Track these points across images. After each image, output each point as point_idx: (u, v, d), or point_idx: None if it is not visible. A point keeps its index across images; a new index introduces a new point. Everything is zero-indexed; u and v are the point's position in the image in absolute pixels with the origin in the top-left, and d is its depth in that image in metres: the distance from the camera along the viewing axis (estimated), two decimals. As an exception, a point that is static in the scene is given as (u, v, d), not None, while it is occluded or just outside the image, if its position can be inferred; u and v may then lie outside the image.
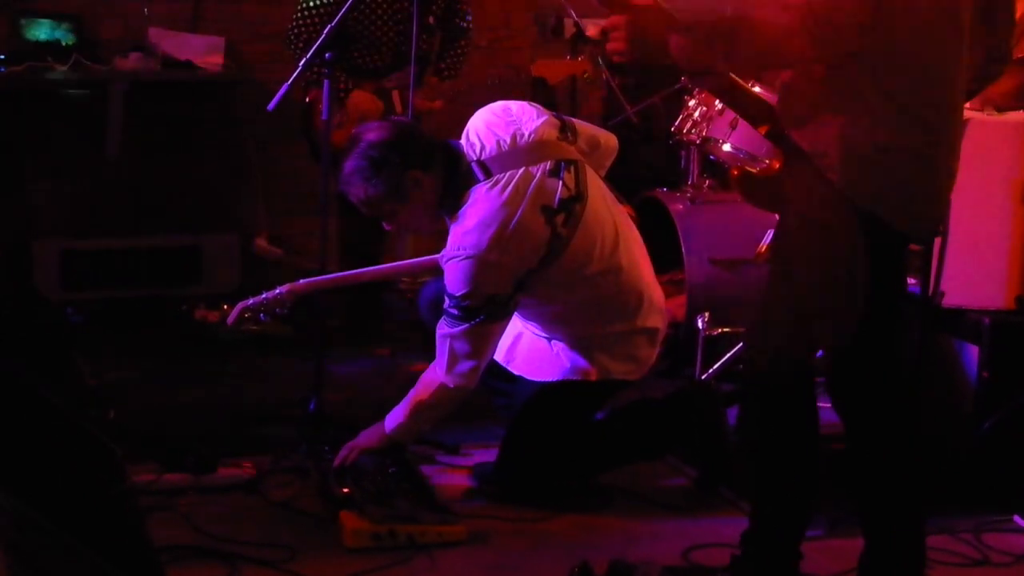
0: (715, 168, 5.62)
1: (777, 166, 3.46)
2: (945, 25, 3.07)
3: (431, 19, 5.58)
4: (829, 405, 3.37)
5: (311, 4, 5.36)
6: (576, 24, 6.11)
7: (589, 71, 5.59)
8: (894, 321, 3.29)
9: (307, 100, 5.42)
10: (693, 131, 5.12)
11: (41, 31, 5.93)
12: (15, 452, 2.94)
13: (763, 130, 3.51)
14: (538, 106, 4.17)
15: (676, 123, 5.24)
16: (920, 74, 3.06)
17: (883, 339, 3.25)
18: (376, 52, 5.47)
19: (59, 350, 3.28)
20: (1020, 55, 4.75)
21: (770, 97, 3.51)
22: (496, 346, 4.04)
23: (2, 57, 5.74)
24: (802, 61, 3.08)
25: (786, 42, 2.96)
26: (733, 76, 3.54)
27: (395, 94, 5.38)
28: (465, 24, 5.70)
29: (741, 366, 4.79)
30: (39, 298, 3.69)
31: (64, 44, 5.92)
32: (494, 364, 4.17)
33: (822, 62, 3.05)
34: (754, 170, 4.18)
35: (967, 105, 4.03)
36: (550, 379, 4.12)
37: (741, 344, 4.83)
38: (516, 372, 4.21)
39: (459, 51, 5.71)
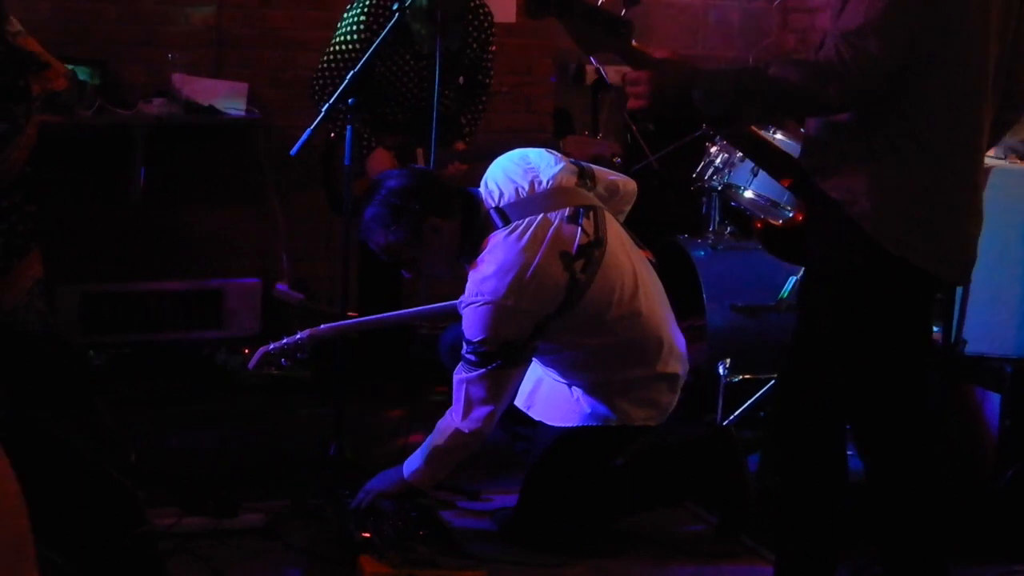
0: (736, 214, 5.63)
1: (800, 218, 3.44)
2: (974, 71, 3.07)
3: (461, 79, 5.57)
4: (853, 452, 3.36)
5: (339, 49, 5.31)
6: (598, 70, 6.13)
7: (620, 155, 5.59)
8: (920, 368, 3.28)
9: (329, 138, 5.37)
10: (715, 177, 5.15)
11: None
12: (37, 495, 2.95)
13: (786, 183, 3.50)
14: (556, 153, 4.17)
15: (698, 169, 5.27)
16: (951, 120, 3.06)
17: (910, 386, 3.24)
18: (403, 107, 5.45)
19: (81, 394, 3.30)
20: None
21: (791, 147, 3.50)
22: (514, 392, 4.03)
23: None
24: (829, 109, 3.07)
25: (814, 90, 2.96)
26: (753, 128, 3.53)
27: (419, 152, 5.37)
28: (488, 80, 5.69)
29: (763, 413, 4.79)
30: (62, 342, 3.71)
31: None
32: (514, 409, 4.16)
33: (850, 110, 3.04)
34: (777, 223, 4.18)
35: (989, 153, 4.03)
36: (570, 425, 4.11)
37: (763, 390, 4.82)
38: (536, 417, 4.20)
39: (479, 106, 5.70)
